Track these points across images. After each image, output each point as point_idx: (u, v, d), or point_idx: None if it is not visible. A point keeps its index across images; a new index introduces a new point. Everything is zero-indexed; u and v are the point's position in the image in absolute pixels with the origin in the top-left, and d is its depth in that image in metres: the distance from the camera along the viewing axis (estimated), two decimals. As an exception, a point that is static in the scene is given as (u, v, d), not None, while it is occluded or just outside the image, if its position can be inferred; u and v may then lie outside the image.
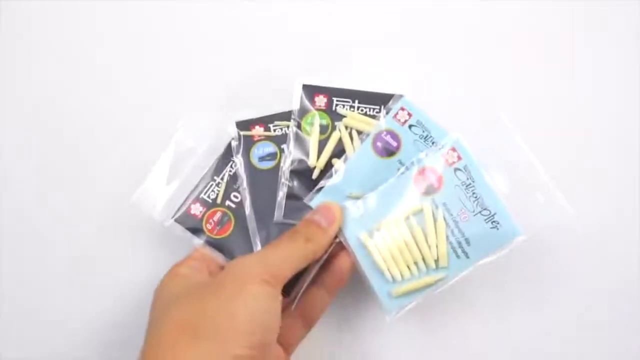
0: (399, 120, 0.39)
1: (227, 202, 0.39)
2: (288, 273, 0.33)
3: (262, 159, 0.40)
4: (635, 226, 0.43)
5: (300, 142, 0.40)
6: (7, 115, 0.46)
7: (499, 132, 0.37)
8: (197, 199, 0.39)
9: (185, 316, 0.30)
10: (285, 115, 0.41)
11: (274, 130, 0.41)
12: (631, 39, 0.46)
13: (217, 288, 0.31)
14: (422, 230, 0.36)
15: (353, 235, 0.37)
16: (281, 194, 0.39)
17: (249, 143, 0.40)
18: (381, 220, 0.37)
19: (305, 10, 0.47)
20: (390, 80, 0.40)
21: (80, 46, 0.47)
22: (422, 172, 0.37)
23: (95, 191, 0.44)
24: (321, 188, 0.38)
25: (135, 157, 0.39)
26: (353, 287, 0.39)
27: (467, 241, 0.36)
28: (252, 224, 0.39)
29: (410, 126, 0.38)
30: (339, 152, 0.39)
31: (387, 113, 0.39)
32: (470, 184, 0.36)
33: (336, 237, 0.37)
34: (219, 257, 0.38)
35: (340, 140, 0.40)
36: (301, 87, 0.40)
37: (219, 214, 0.39)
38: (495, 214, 0.36)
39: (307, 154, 0.39)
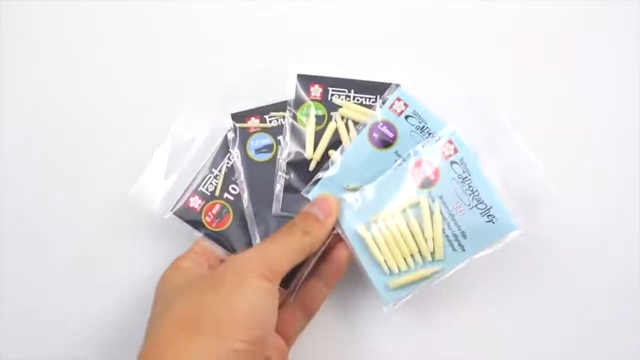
0: (395, 110, 0.38)
1: (226, 195, 0.40)
2: (286, 267, 0.33)
3: (258, 151, 0.40)
4: (635, 226, 0.43)
5: (296, 133, 0.39)
6: (7, 115, 0.46)
7: (499, 132, 0.37)
8: (196, 192, 0.39)
9: (186, 311, 0.31)
10: (281, 106, 0.40)
11: (270, 122, 0.40)
12: (631, 39, 0.46)
13: (216, 282, 0.32)
14: (418, 223, 0.36)
15: (350, 228, 0.37)
16: (278, 186, 0.39)
17: (245, 135, 0.40)
18: (378, 213, 0.37)
19: (305, 10, 0.47)
20: (388, 75, 0.39)
21: (80, 46, 0.47)
22: (418, 164, 0.37)
23: (95, 191, 0.44)
24: (318, 180, 0.38)
25: (135, 156, 0.39)
26: (351, 278, 0.40)
27: (463, 234, 0.36)
28: (250, 216, 0.39)
29: (406, 117, 0.38)
30: (335, 143, 0.39)
31: (383, 103, 0.39)
32: (466, 177, 0.36)
33: (333, 229, 0.37)
34: (218, 250, 0.39)
35: (336, 131, 0.39)
36: (296, 77, 0.40)
37: (217, 207, 0.39)
38: (491, 207, 0.36)
39: (304, 146, 0.39)
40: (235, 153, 0.40)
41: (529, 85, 0.45)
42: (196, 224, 0.39)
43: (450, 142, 0.36)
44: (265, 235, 0.38)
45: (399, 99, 0.38)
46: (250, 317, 0.30)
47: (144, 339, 0.31)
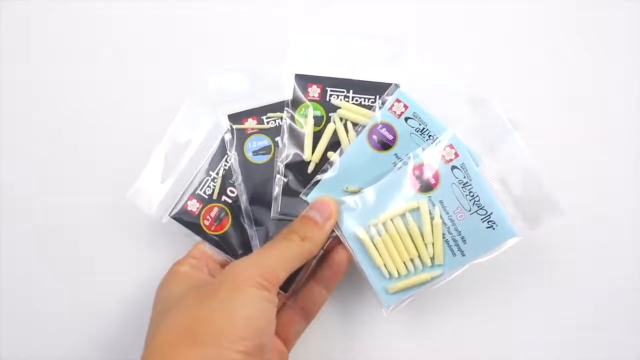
0: (395, 112, 0.37)
1: (224, 198, 0.39)
2: (284, 274, 0.33)
3: (256, 152, 0.39)
4: (635, 226, 0.42)
5: (294, 135, 0.39)
6: (7, 115, 0.46)
7: (500, 133, 0.36)
8: (193, 195, 0.39)
9: (184, 321, 0.31)
10: (278, 107, 0.39)
11: (267, 123, 0.40)
12: (631, 39, 0.45)
13: (214, 292, 0.32)
14: (418, 227, 0.36)
15: (350, 231, 0.36)
16: (277, 189, 0.38)
17: (242, 136, 0.39)
18: (378, 216, 0.36)
19: (305, 11, 0.46)
20: (388, 76, 0.39)
21: (80, 46, 0.47)
22: (418, 168, 0.36)
23: (95, 191, 0.44)
24: (317, 182, 0.37)
25: (135, 156, 0.39)
26: (350, 279, 0.39)
27: (463, 239, 0.36)
28: (249, 220, 0.39)
29: (406, 119, 0.37)
30: (334, 144, 0.38)
31: (382, 105, 0.38)
32: (467, 182, 0.35)
33: (333, 231, 0.36)
34: (217, 254, 0.39)
35: (335, 132, 0.38)
36: (294, 77, 0.39)
37: (215, 210, 0.39)
38: (491, 213, 0.35)
39: (302, 148, 0.38)
40: (232, 155, 0.39)
41: (530, 86, 0.45)
42: (194, 227, 0.39)
43: (450, 146, 0.36)
44: (264, 238, 0.38)
45: (398, 101, 0.37)
46: (247, 327, 0.30)
47: (144, 348, 0.31)
